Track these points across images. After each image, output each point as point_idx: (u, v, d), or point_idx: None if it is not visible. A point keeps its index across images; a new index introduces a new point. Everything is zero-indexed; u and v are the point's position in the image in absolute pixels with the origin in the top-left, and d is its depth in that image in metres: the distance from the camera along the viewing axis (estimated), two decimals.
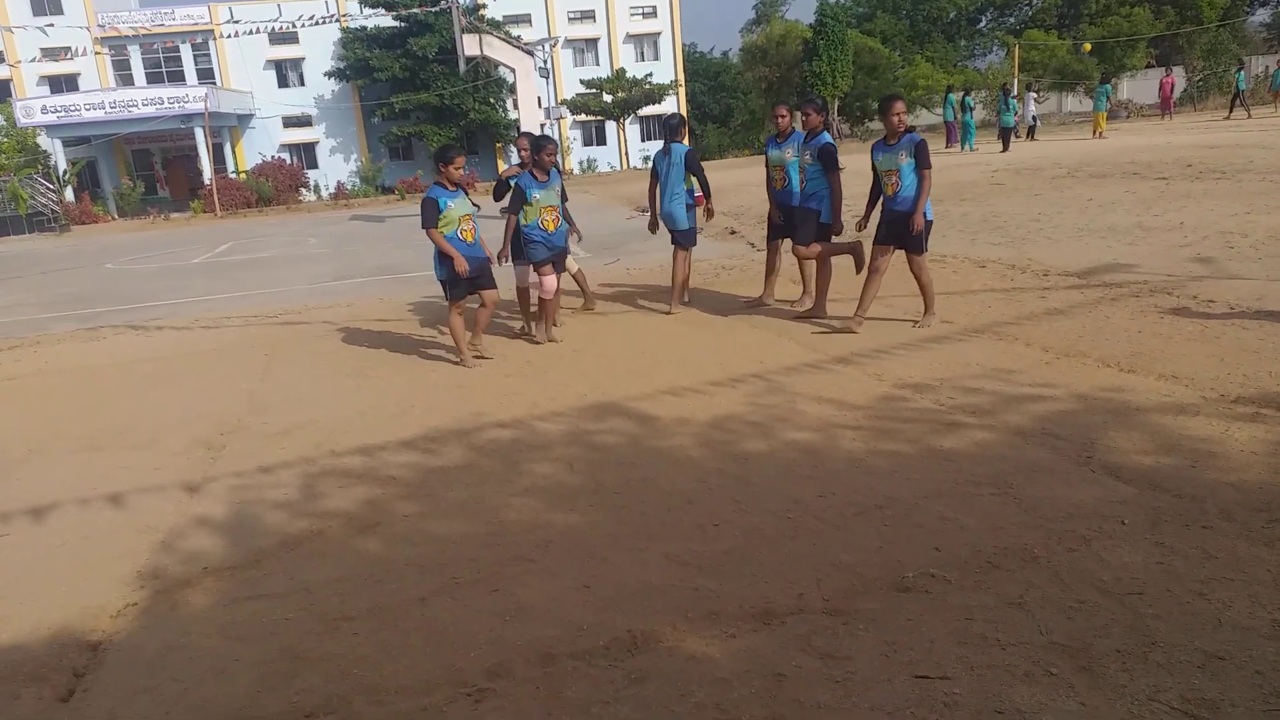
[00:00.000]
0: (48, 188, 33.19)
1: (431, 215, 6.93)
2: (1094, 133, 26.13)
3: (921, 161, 6.83)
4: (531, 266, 7.78)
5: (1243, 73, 29.96)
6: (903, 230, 6.94)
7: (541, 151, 7.50)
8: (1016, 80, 31.23)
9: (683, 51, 51.35)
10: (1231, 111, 29.07)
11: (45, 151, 37.61)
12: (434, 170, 7.21)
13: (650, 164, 8.79)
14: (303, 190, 39.13)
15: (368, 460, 5.24)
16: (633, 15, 48.83)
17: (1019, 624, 3.03)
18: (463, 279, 7.07)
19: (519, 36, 29.96)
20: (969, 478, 4.23)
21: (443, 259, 7.07)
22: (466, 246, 7.06)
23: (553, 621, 3.30)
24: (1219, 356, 5.38)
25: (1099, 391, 5.26)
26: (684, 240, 8.50)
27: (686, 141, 8.54)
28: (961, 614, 3.12)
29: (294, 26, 31.86)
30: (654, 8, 48.80)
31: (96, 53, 40.03)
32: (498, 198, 8.35)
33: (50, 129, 37.48)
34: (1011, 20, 52.35)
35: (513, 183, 7.84)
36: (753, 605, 3.29)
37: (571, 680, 2.95)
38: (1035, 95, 29.44)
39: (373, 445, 5.48)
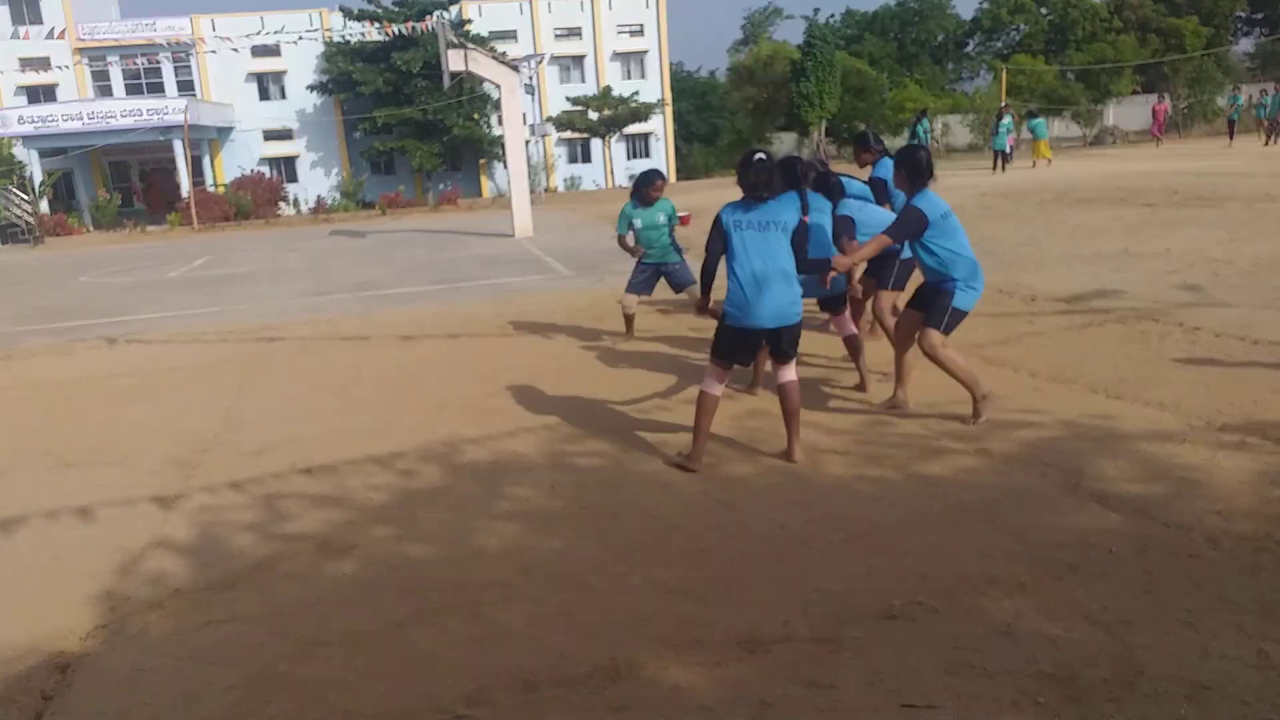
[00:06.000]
0: (23, 199, 32.80)
1: None
2: (1035, 161, 25.96)
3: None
4: None
5: (1239, 98, 30.48)
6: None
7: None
8: (1005, 104, 31.46)
9: (669, 70, 51.63)
10: (1269, 139, 27.67)
11: (20, 162, 37.22)
12: None
13: None
14: (282, 204, 38.89)
15: (345, 481, 5.15)
16: (619, 33, 49.02)
17: (1006, 652, 3.01)
18: None
19: (505, 53, 29.97)
20: (956, 504, 4.21)
21: None
22: None
23: (534, 648, 3.25)
24: (1205, 384, 5.41)
25: (1086, 418, 5.26)
26: None
27: None
28: (949, 642, 3.09)
29: (277, 41, 31.75)
30: (641, 26, 49.05)
31: (75, 64, 39.81)
32: None
33: (26, 139, 37.09)
34: (999, 45, 53.06)
35: None
36: (738, 632, 3.25)
37: (553, 708, 2.90)
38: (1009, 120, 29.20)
39: (351, 465, 5.40)
